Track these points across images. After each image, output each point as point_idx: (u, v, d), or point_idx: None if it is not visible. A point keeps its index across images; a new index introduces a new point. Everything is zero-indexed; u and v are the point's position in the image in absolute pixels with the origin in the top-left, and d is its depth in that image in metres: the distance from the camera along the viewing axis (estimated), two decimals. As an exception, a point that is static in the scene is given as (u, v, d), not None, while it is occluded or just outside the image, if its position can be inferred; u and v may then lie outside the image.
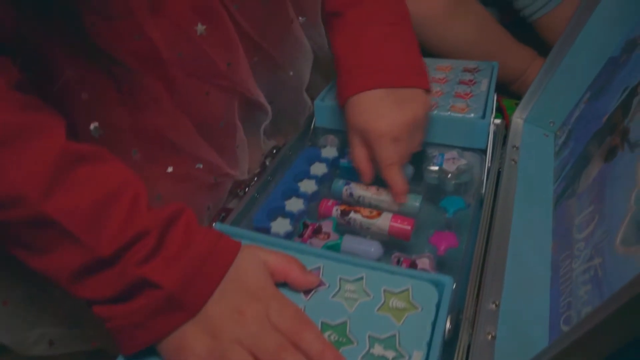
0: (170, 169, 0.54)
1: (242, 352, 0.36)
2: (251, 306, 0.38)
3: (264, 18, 0.60)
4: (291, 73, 0.67)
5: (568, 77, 0.60)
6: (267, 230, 0.51)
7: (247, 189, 0.60)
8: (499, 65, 0.80)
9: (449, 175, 0.57)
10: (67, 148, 0.36)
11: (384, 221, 0.51)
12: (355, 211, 0.52)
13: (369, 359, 0.36)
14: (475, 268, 0.46)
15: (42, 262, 0.36)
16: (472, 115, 0.59)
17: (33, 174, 0.34)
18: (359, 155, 0.55)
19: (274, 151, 0.67)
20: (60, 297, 0.51)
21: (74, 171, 0.36)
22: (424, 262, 0.47)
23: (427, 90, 0.56)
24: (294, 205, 0.54)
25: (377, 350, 0.37)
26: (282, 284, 0.41)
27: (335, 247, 0.49)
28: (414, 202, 0.53)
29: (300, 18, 0.64)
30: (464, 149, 0.59)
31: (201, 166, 0.56)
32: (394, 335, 0.37)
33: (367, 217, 0.52)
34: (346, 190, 0.55)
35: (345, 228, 0.52)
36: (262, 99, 0.63)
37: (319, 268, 0.43)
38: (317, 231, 0.50)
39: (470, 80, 0.66)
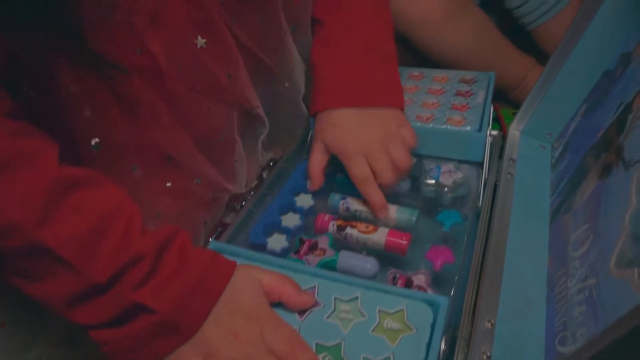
0: (168, 184, 0.54)
1: None
2: (246, 328, 0.38)
3: (260, 29, 0.60)
4: (287, 84, 0.67)
5: (565, 89, 0.60)
6: (263, 246, 0.51)
7: (244, 203, 0.60)
8: (497, 72, 0.80)
9: (446, 188, 0.56)
10: (60, 174, 0.36)
11: (380, 236, 0.51)
12: (352, 226, 0.52)
13: (364, 382, 0.37)
14: (471, 285, 0.46)
15: (37, 289, 0.36)
16: (469, 128, 0.59)
17: (26, 202, 0.34)
18: (316, 162, 0.56)
19: (271, 164, 0.67)
20: (58, 319, 0.51)
21: (67, 198, 0.36)
22: (419, 278, 0.47)
23: (401, 109, 0.57)
24: (291, 220, 0.54)
25: (372, 372, 0.37)
26: (277, 304, 0.41)
27: (331, 264, 0.49)
28: (411, 216, 0.53)
29: (291, 27, 0.64)
30: (461, 161, 0.59)
31: (200, 182, 0.56)
32: (389, 358, 0.37)
33: (364, 232, 0.51)
34: (343, 204, 0.55)
35: (341, 243, 0.52)
36: (261, 111, 0.63)
37: (314, 287, 0.43)
38: (313, 247, 0.50)
39: (467, 92, 0.66)
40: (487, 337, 0.41)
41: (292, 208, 0.56)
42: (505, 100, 0.92)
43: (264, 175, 0.66)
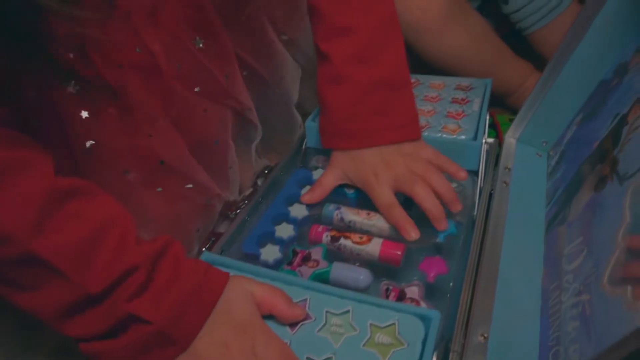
0: (159, 189, 0.54)
1: None
2: (237, 339, 0.38)
3: (247, 35, 0.60)
4: (277, 91, 0.67)
5: (561, 97, 0.59)
6: (256, 257, 0.51)
7: (238, 211, 0.60)
8: (495, 77, 0.80)
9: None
10: (55, 185, 0.36)
11: (374, 247, 0.50)
12: (345, 237, 0.52)
13: (354, 398, 0.36)
14: (465, 297, 0.45)
15: (29, 300, 0.36)
16: (464, 137, 0.59)
17: (20, 212, 0.34)
18: (327, 184, 0.56)
19: (266, 171, 0.66)
20: (49, 328, 0.51)
21: (61, 208, 0.36)
22: (412, 291, 0.46)
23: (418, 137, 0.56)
24: (284, 231, 0.53)
25: (362, 388, 0.37)
26: (268, 316, 0.41)
27: (324, 275, 0.48)
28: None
29: (281, 36, 0.64)
30: (456, 170, 0.59)
31: (192, 186, 0.56)
32: (380, 373, 0.37)
33: (357, 243, 0.51)
34: (337, 215, 0.55)
35: (335, 254, 0.52)
36: (254, 115, 0.63)
37: (305, 300, 0.43)
38: (306, 258, 0.50)
39: (463, 99, 0.66)
40: (479, 351, 0.41)
41: (286, 218, 0.55)
42: (503, 105, 0.92)
43: (259, 183, 0.65)
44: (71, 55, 0.43)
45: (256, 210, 0.58)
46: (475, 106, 0.64)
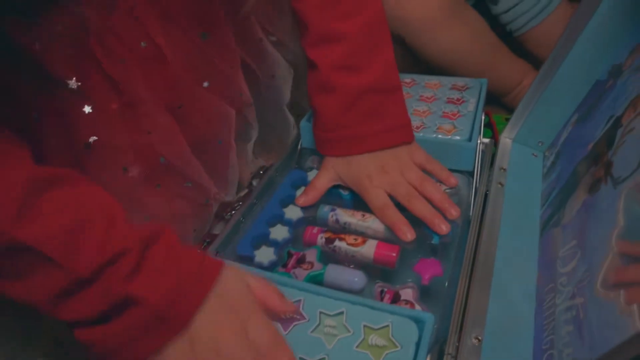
0: (158, 186, 0.53)
1: None
2: (231, 322, 0.37)
3: (239, 32, 0.60)
4: (268, 89, 0.67)
5: (557, 98, 0.59)
6: (251, 259, 0.51)
7: (232, 212, 0.59)
8: (492, 75, 0.80)
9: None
10: (34, 174, 0.35)
11: (369, 249, 0.50)
12: (340, 239, 0.51)
13: (347, 401, 0.36)
14: (459, 300, 0.45)
15: (21, 288, 0.36)
16: (458, 137, 0.58)
17: (0, 202, 0.33)
18: (320, 185, 0.56)
19: (261, 172, 0.66)
20: (46, 328, 0.51)
21: (43, 196, 0.35)
22: (407, 293, 0.46)
23: (411, 140, 0.56)
24: (279, 233, 0.53)
25: (355, 391, 0.37)
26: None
27: (318, 277, 0.48)
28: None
29: (271, 37, 0.64)
30: (451, 170, 0.59)
31: (190, 184, 0.55)
32: (373, 376, 0.37)
33: (352, 244, 0.51)
34: (332, 216, 0.55)
35: (330, 256, 0.52)
36: (252, 113, 0.63)
37: (299, 301, 0.43)
38: (301, 260, 0.50)
39: (458, 99, 0.66)
40: (473, 354, 0.41)
41: (281, 220, 0.55)
42: (499, 104, 0.92)
43: (254, 183, 0.65)
44: (72, 50, 0.43)
45: (251, 211, 0.58)
46: (471, 106, 0.64)
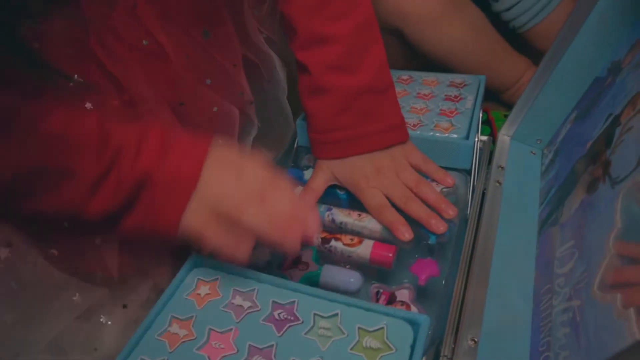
0: None
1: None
2: (233, 168, 0.41)
3: (240, 29, 0.59)
4: (270, 81, 0.66)
5: (555, 95, 0.58)
6: (246, 259, 0.50)
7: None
8: (491, 71, 0.79)
9: (433, 197, 0.55)
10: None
11: (365, 249, 0.50)
12: (336, 239, 0.51)
13: (341, 405, 0.36)
14: (455, 301, 0.45)
15: (52, 200, 0.38)
16: (456, 135, 0.58)
17: None
18: (318, 189, 0.56)
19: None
20: (44, 328, 0.51)
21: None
22: (403, 294, 0.46)
23: (406, 140, 0.56)
24: (274, 232, 0.53)
25: (350, 395, 0.36)
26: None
27: (314, 278, 0.48)
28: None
29: (262, 34, 0.63)
30: (449, 168, 0.58)
31: None
32: (367, 379, 0.37)
33: (348, 244, 0.51)
34: (328, 216, 0.54)
35: (326, 256, 0.51)
36: (252, 109, 0.62)
37: (294, 302, 0.42)
38: (296, 261, 0.49)
39: (456, 96, 0.65)
40: (469, 356, 0.40)
41: (276, 219, 0.55)
42: (498, 100, 0.91)
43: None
44: (72, 49, 0.42)
45: (247, 210, 0.58)
46: (469, 103, 0.63)
